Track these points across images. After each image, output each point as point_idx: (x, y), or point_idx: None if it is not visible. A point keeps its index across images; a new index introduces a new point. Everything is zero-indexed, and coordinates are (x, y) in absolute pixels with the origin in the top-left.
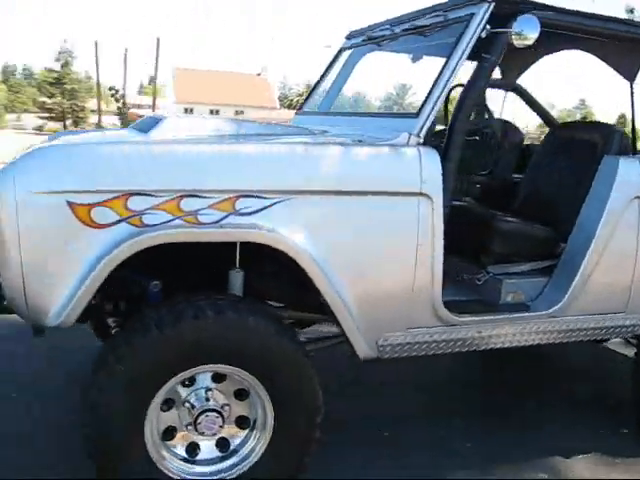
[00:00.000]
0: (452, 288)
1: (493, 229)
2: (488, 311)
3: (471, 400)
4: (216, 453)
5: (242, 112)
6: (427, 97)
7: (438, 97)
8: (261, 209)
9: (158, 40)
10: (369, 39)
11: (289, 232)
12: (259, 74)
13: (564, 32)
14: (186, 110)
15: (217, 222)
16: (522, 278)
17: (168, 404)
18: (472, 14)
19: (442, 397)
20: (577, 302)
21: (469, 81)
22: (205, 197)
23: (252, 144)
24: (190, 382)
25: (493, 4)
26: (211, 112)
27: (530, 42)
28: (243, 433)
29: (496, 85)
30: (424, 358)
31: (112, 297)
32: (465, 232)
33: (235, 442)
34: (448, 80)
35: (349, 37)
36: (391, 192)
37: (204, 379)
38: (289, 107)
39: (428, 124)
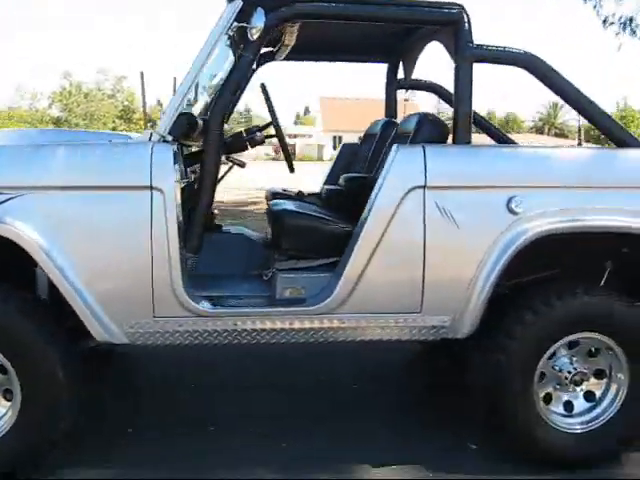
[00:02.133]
0: (243, 283)
1: (281, 226)
2: (252, 305)
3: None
4: None
5: None
6: (172, 98)
7: (181, 96)
8: None
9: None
10: None
11: (20, 224)
12: (407, 100)
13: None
14: (335, 138)
15: None
16: (304, 274)
17: None
18: None
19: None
20: (353, 299)
21: (225, 78)
22: None
23: None
24: None
25: (240, 3)
26: (359, 139)
27: (257, 34)
28: (7, 404)
29: (402, 86)
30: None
31: None
32: (271, 230)
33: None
34: (192, 80)
35: None
36: (122, 186)
37: None
38: None
39: (170, 123)
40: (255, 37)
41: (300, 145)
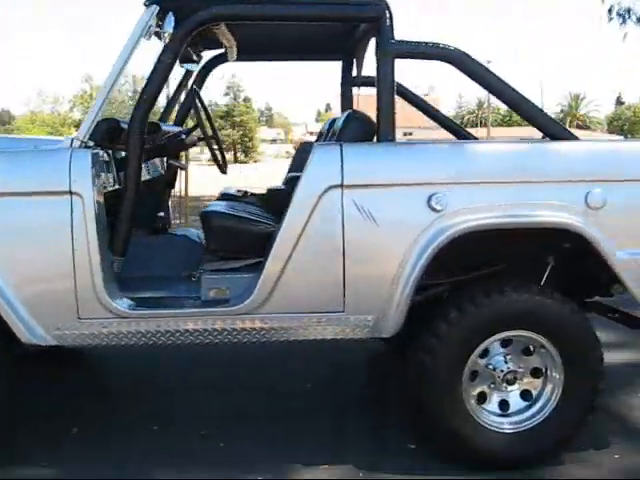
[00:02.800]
0: (176, 284)
1: (207, 227)
2: (176, 306)
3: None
4: None
5: (411, 134)
6: (92, 103)
7: (100, 102)
8: None
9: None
10: None
11: None
12: (427, 94)
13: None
14: None
15: None
16: (229, 274)
17: None
18: None
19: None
20: (274, 299)
21: (145, 83)
22: None
23: None
24: None
25: (157, 8)
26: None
27: (169, 39)
28: None
29: (355, 83)
30: None
31: None
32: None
33: None
34: (111, 85)
35: None
36: (43, 192)
37: None
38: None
39: (90, 129)
40: (168, 41)
41: None
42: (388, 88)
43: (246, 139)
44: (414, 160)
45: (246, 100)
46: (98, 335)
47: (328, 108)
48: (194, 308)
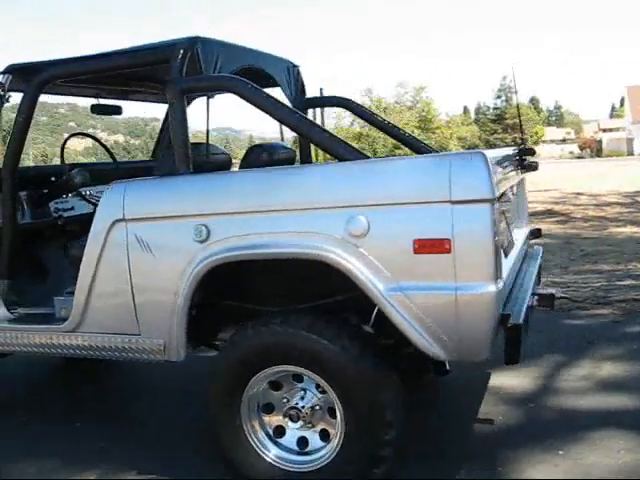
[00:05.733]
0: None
1: (65, 254)
2: (26, 321)
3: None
4: None
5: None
6: None
7: None
8: None
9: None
10: None
11: None
12: None
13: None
14: None
15: None
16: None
17: None
18: None
19: None
20: (86, 320)
21: (9, 140)
22: None
23: None
24: None
25: (10, 76)
26: None
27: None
28: None
29: (309, 105)
30: None
31: None
32: None
33: None
34: None
35: None
36: None
37: None
38: None
39: None
40: (20, 103)
41: (606, 140)
42: (179, 124)
43: (519, 141)
44: (182, 193)
45: (533, 100)
46: None
47: (623, 102)
48: (35, 324)
